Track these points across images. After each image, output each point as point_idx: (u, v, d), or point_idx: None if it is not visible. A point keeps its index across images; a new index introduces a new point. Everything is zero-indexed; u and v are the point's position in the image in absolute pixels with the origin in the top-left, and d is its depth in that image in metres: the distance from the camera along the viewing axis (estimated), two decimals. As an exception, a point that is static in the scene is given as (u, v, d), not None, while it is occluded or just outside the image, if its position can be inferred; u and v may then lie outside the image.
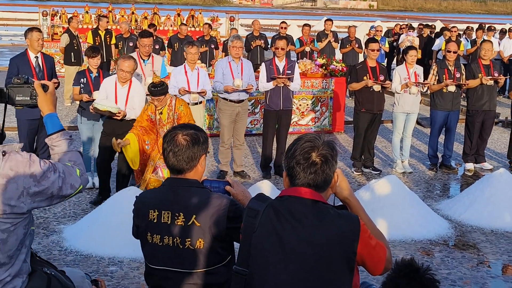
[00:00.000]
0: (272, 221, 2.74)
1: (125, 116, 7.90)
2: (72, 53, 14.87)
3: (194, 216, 3.12)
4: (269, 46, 16.13)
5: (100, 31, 15.84)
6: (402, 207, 7.47)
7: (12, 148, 2.93)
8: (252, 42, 16.13)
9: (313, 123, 12.71)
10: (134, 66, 8.01)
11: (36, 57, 8.55)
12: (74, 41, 14.97)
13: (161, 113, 7.59)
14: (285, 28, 16.26)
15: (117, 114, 7.74)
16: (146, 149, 7.59)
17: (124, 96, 8.01)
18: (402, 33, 19.69)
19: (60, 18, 25.33)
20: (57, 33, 20.79)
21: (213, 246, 3.14)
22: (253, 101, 12.00)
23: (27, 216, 2.98)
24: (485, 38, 16.35)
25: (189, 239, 3.13)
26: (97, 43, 15.34)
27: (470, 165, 10.31)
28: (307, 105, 12.58)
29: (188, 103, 8.89)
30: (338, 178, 2.87)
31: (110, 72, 12.65)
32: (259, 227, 2.75)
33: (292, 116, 10.66)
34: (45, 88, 3.20)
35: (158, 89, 7.40)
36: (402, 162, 10.15)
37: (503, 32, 19.95)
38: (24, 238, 3.00)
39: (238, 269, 2.80)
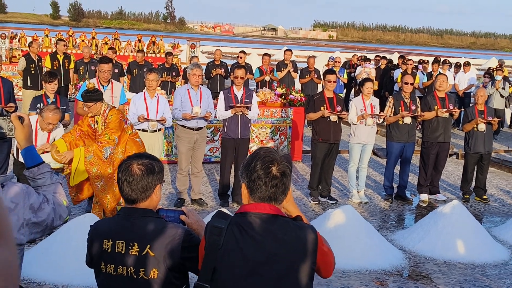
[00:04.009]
0: (236, 238, 2.78)
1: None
2: (28, 77, 14.69)
3: (149, 246, 3.10)
4: (229, 74, 16.22)
5: (58, 56, 15.61)
6: (357, 237, 7.54)
7: (7, 179, 2.90)
8: (212, 70, 16.21)
9: (272, 151, 12.73)
10: (59, 118, 7.74)
11: (-7, 81, 8.47)
12: (31, 65, 14.77)
13: (97, 122, 7.45)
14: (243, 57, 16.38)
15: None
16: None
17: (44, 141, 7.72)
18: (360, 65, 19.94)
19: (19, 41, 25.08)
20: (15, 56, 20.60)
21: (167, 277, 3.12)
22: (212, 128, 12.02)
23: (23, 247, 2.97)
24: (441, 71, 16.71)
25: (143, 269, 3.11)
26: (55, 68, 15.15)
27: (424, 196, 10.47)
28: (266, 133, 12.66)
29: (147, 130, 8.89)
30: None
31: (68, 97, 12.54)
32: (224, 244, 2.78)
33: (251, 144, 10.71)
34: (21, 120, 3.09)
35: (87, 94, 7.31)
36: (358, 192, 10.25)
37: (457, 66, 20.41)
38: (20, 269, 2.98)
39: (200, 285, 2.81)
